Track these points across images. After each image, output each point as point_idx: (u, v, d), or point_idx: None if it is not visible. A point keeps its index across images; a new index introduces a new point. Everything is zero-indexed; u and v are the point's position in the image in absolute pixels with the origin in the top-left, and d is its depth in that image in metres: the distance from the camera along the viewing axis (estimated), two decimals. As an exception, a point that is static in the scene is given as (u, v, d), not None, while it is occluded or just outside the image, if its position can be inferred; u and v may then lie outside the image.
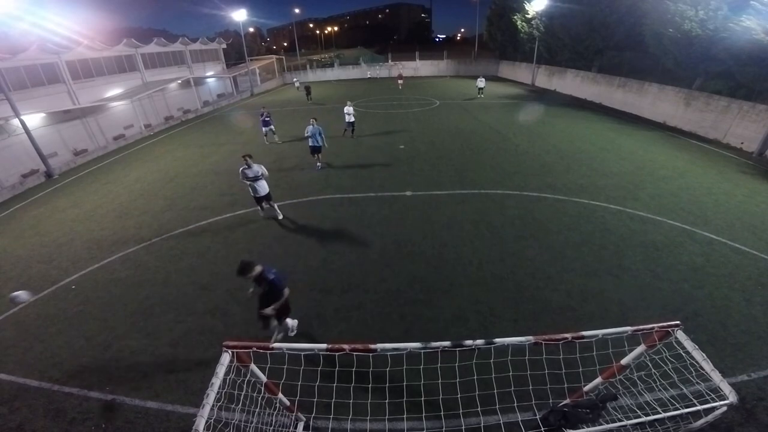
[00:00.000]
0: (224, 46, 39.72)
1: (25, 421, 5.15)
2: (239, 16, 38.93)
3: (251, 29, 72.60)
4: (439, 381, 3.73)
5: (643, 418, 3.39)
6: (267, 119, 17.90)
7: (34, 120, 16.30)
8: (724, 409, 2.95)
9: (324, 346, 3.06)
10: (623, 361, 3.70)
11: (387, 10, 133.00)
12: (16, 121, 14.96)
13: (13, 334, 6.85)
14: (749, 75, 16.17)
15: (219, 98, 34.62)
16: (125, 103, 22.23)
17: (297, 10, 70.51)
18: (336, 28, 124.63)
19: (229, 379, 3.16)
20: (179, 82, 27.92)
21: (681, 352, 3.24)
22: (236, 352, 3.21)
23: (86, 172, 16.62)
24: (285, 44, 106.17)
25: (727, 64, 17.06)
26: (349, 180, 13.15)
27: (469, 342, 3.06)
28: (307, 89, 32.18)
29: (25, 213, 12.49)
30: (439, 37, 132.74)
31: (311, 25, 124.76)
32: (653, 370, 3.77)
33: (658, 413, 3.32)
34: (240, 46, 41.30)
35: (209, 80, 34.18)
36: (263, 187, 9.74)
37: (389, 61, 49.93)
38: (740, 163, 13.81)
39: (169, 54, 30.39)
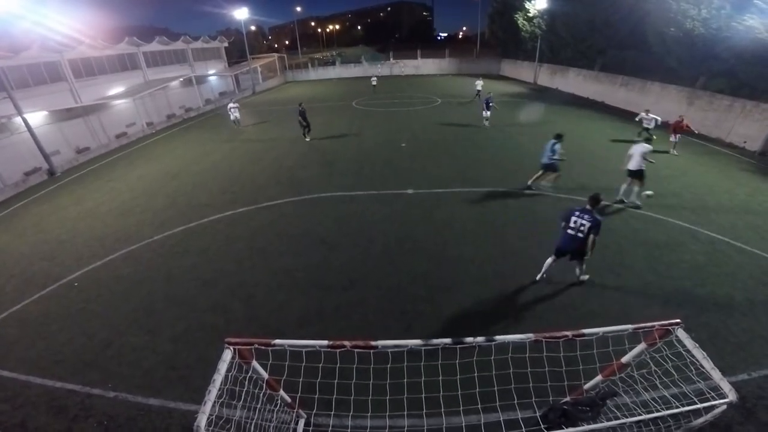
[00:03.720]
0: (226, 44, 39.79)
1: (28, 418, 5.18)
2: (241, 14, 38.96)
3: (253, 27, 72.49)
4: (440, 378, 3.74)
5: (643, 416, 3.39)
6: (490, 103, 18.79)
7: (37, 118, 16.34)
8: (724, 407, 2.94)
9: (325, 342, 3.07)
10: (624, 359, 3.70)
11: (388, 9, 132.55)
12: (18, 120, 15.02)
13: (16, 331, 6.89)
14: (752, 74, 16.11)
15: (221, 96, 34.64)
16: (127, 102, 22.27)
17: (298, 9, 70.67)
18: (337, 27, 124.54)
19: (231, 375, 3.18)
20: (181, 80, 27.96)
21: (681, 350, 3.24)
22: (238, 348, 3.22)
23: (88, 170, 16.68)
24: (287, 42, 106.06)
25: (730, 63, 17.00)
26: (350, 178, 13.16)
27: (469, 339, 3.07)
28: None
29: (27, 211, 12.54)
30: (440, 36, 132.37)
31: (313, 24, 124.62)
32: (654, 368, 3.76)
33: (658, 411, 3.32)
34: (242, 44, 41.32)
35: (211, 78, 34.22)
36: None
37: (391, 59, 49.84)
38: (743, 162, 13.76)
39: (171, 52, 30.45)
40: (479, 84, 27.25)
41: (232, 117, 22.18)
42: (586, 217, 6.26)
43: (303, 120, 17.89)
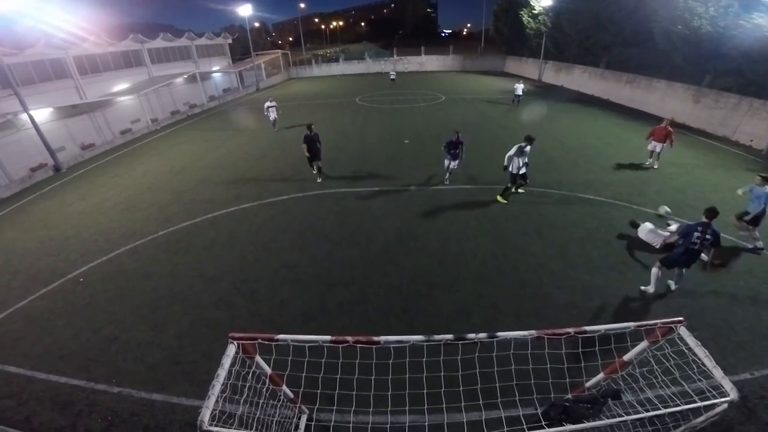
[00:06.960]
0: (230, 41, 39.78)
1: (33, 413, 5.23)
2: (244, 11, 38.80)
3: (256, 24, 72.37)
4: (442, 374, 3.76)
5: (644, 414, 3.39)
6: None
7: (42, 115, 16.43)
8: (725, 406, 2.93)
9: (328, 338, 3.09)
10: (626, 357, 3.71)
11: (392, 5, 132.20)
12: (24, 116, 15.10)
13: (22, 326, 6.96)
14: (760, 72, 15.96)
15: (225, 93, 34.68)
16: (132, 98, 22.33)
17: (302, 5, 70.26)
18: (341, 23, 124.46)
19: (234, 370, 3.20)
20: (185, 76, 28.02)
21: (683, 348, 3.23)
22: (242, 343, 3.25)
23: (94, 165, 16.77)
24: (290, 39, 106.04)
25: (737, 62, 16.82)
26: (354, 174, 13.17)
27: (471, 335, 3.08)
28: None
29: (33, 206, 12.64)
30: (444, 32, 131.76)
31: (316, 20, 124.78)
32: (655, 366, 3.76)
33: (659, 409, 3.32)
34: (245, 41, 41.22)
35: (215, 75, 34.26)
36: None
37: (395, 56, 49.66)
38: (749, 161, 13.63)
39: (175, 49, 30.51)
40: (519, 87, 23.87)
41: (271, 118, 19.55)
42: (709, 230, 6.19)
43: (310, 149, 12.16)
